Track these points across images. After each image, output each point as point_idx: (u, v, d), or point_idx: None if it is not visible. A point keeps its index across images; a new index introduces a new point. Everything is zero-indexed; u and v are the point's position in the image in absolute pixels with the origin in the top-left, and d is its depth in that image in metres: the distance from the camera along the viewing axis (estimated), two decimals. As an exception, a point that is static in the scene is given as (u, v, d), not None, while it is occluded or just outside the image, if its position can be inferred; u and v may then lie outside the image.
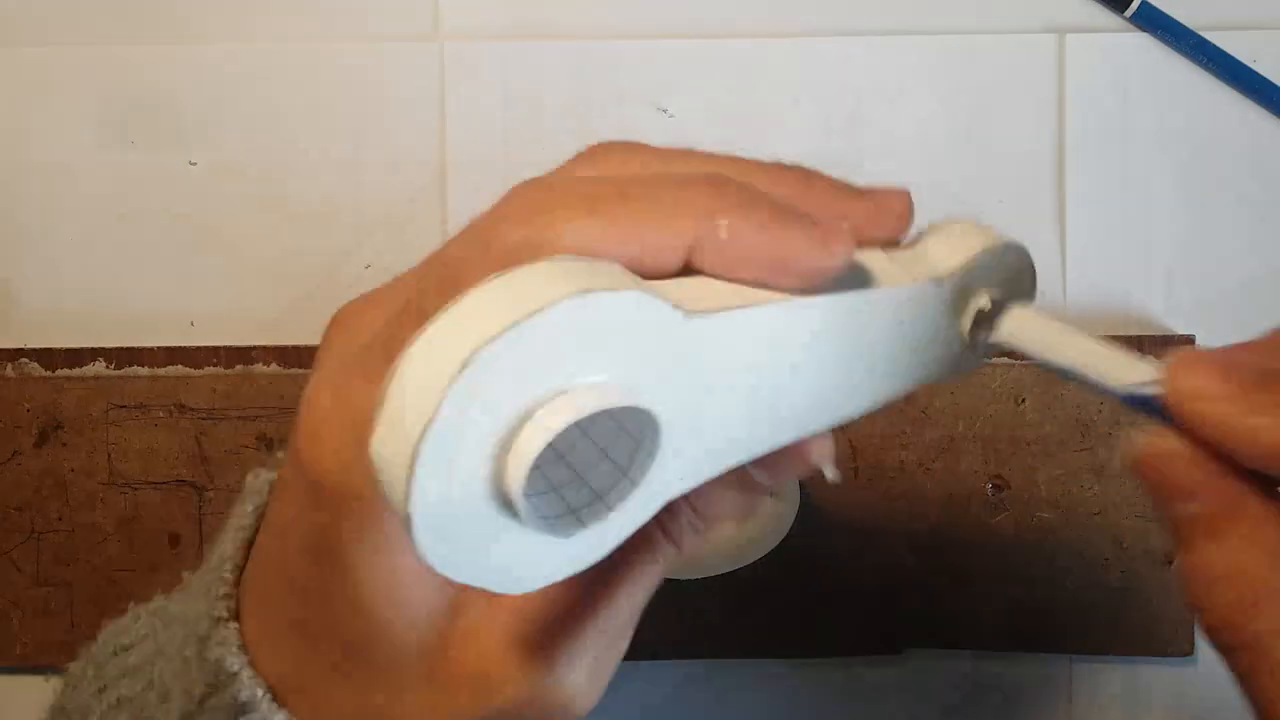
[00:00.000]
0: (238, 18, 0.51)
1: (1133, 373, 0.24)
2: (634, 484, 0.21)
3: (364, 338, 0.24)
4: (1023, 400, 0.48)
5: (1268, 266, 0.50)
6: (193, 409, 0.49)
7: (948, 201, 0.50)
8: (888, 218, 0.25)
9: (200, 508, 0.49)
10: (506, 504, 0.20)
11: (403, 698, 0.27)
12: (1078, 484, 0.48)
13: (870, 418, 0.48)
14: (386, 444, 0.19)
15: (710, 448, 0.23)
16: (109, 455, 0.49)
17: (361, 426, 0.21)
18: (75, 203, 0.51)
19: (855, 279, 0.24)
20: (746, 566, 0.45)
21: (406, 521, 0.19)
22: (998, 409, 0.48)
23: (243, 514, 0.30)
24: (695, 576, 0.46)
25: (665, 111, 0.50)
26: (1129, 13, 0.49)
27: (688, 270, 0.23)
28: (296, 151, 0.51)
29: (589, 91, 0.51)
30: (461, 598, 0.27)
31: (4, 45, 0.51)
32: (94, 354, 0.49)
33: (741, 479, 0.26)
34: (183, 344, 0.50)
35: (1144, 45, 0.50)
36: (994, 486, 0.49)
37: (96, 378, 0.49)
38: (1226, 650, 0.23)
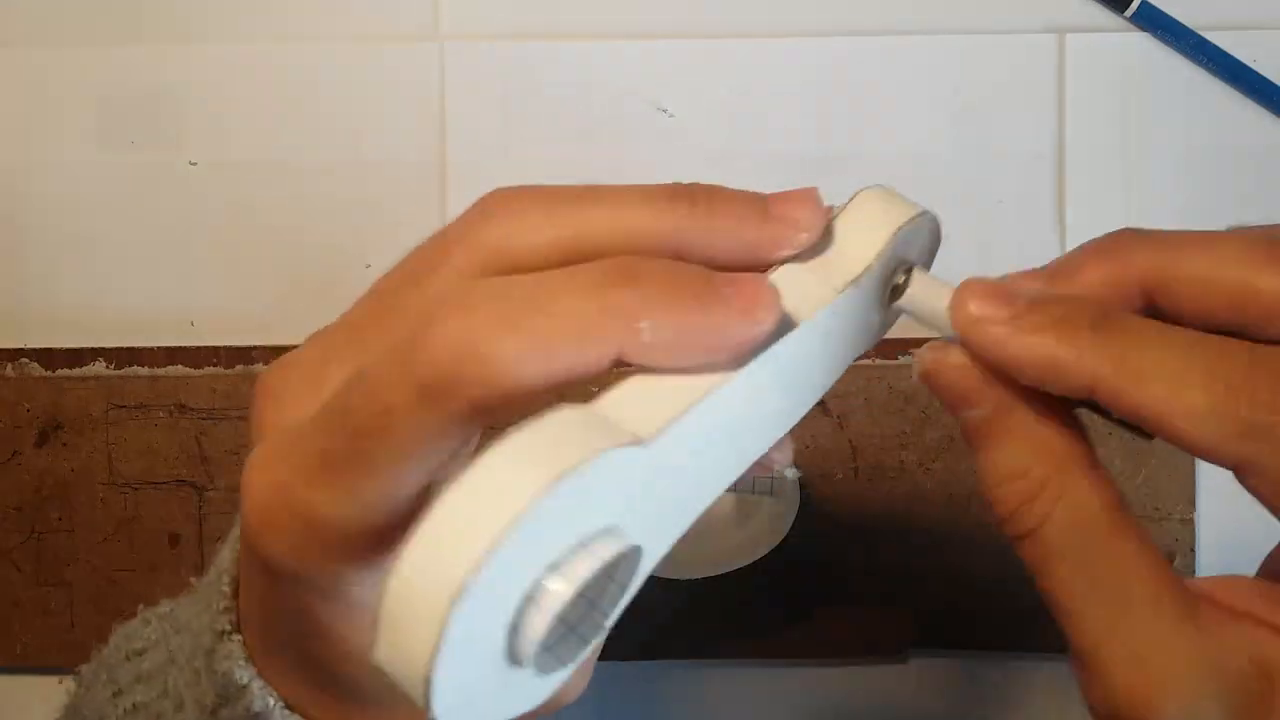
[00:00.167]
0: (238, 18, 0.51)
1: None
2: (624, 588, 0.22)
3: (294, 414, 0.25)
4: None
5: (1268, 266, 0.50)
6: (193, 409, 0.49)
7: (948, 201, 0.50)
8: (796, 234, 0.25)
9: (200, 508, 0.49)
10: (520, 660, 0.21)
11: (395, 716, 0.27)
12: (1078, 484, 0.48)
13: (870, 418, 0.48)
14: (394, 661, 0.20)
15: (680, 512, 0.24)
16: (109, 455, 0.49)
17: (308, 523, 0.23)
18: (75, 203, 0.51)
19: (781, 320, 0.24)
20: (745, 567, 0.45)
21: (425, 706, 0.20)
22: (998, 409, 0.48)
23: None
24: (695, 577, 0.46)
25: (665, 111, 0.50)
26: (1129, 13, 0.49)
27: (618, 362, 0.23)
28: (296, 151, 0.51)
29: (589, 91, 0.51)
30: None
31: (4, 45, 0.51)
32: (94, 354, 0.49)
33: None
34: (183, 344, 0.50)
35: (1144, 45, 0.50)
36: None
37: (97, 378, 0.49)
38: (1015, 543, 0.25)
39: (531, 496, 0.19)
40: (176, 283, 0.51)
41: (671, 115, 0.50)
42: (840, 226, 0.26)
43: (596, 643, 0.23)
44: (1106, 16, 0.50)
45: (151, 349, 0.50)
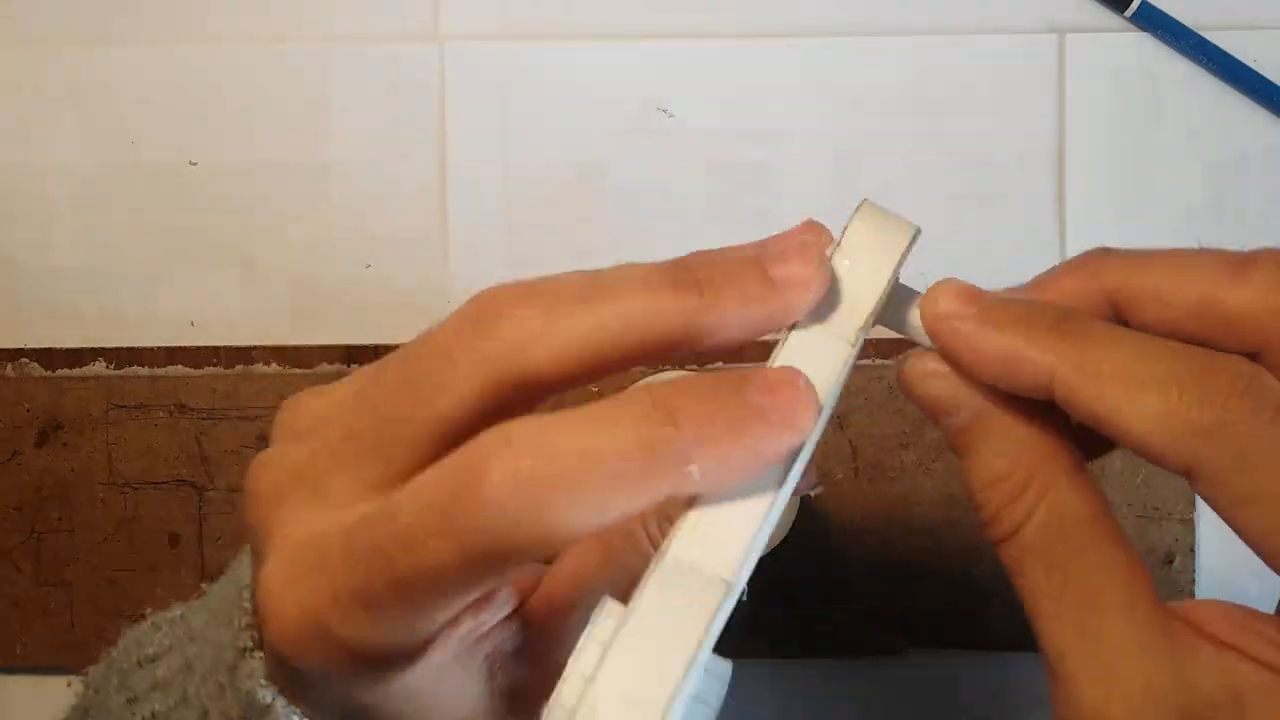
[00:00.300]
0: (238, 18, 0.51)
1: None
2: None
3: (304, 524, 0.24)
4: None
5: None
6: (193, 409, 0.49)
7: (947, 201, 0.50)
8: (804, 299, 0.25)
9: (200, 508, 0.49)
10: None
11: None
12: (1078, 484, 0.48)
13: (870, 418, 0.48)
14: None
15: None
16: (109, 455, 0.49)
17: (344, 649, 0.23)
18: (75, 202, 0.51)
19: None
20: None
21: None
22: (998, 409, 0.48)
23: None
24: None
25: (665, 111, 0.50)
26: (1129, 13, 0.49)
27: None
28: (296, 151, 0.51)
29: (589, 92, 0.51)
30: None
31: (3, 45, 0.51)
32: (94, 354, 0.49)
33: None
34: (183, 344, 0.50)
35: (1144, 45, 0.50)
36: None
37: (97, 378, 0.49)
38: (997, 547, 0.26)
39: (674, 689, 0.22)
40: (176, 283, 0.51)
41: (671, 115, 0.50)
42: (840, 263, 0.26)
43: None
44: (1106, 16, 0.50)
45: (151, 349, 0.50)
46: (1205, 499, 0.24)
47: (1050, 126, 0.50)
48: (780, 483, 0.23)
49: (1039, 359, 0.24)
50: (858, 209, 0.26)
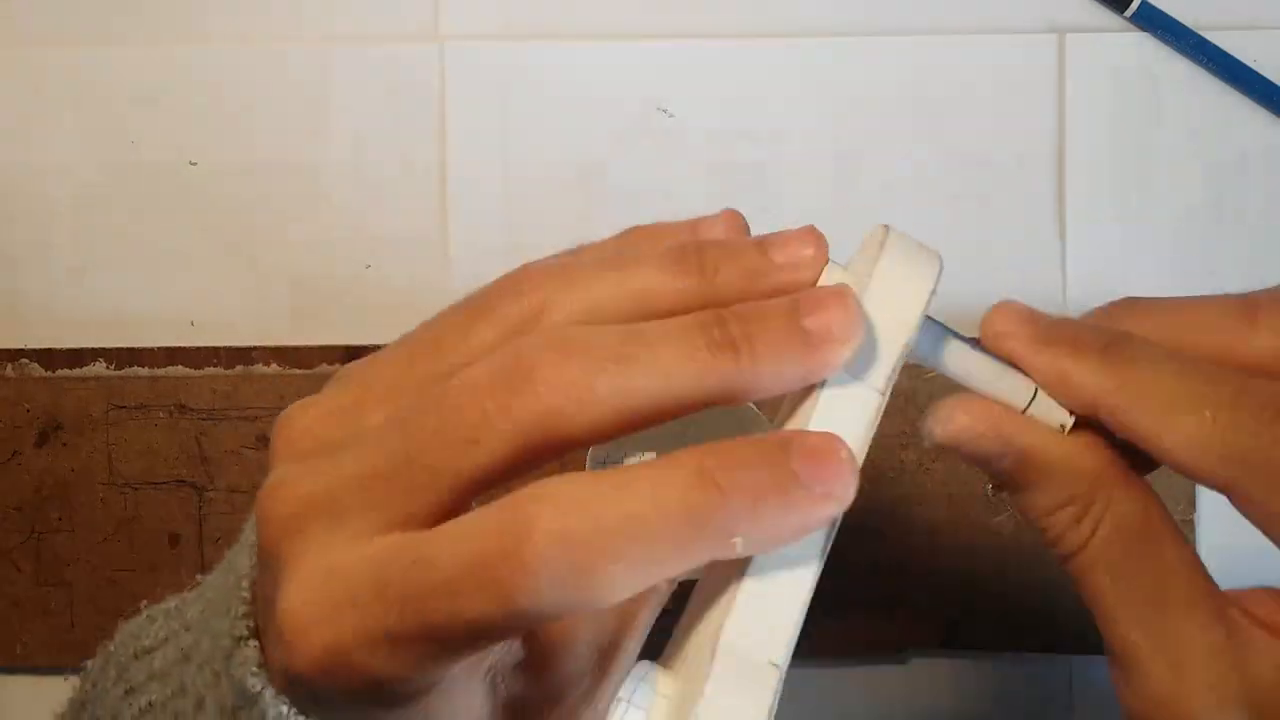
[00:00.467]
0: (238, 18, 0.51)
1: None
2: None
3: (331, 549, 0.24)
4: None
5: (1268, 266, 0.50)
6: (193, 409, 0.49)
7: (947, 201, 0.50)
8: (840, 354, 0.25)
9: (200, 508, 0.49)
10: None
11: None
12: (1078, 484, 0.48)
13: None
14: None
15: None
16: (109, 455, 0.49)
17: (374, 683, 0.23)
18: (75, 203, 0.51)
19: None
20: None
21: None
22: (998, 409, 0.48)
23: (252, 528, 0.29)
24: (695, 577, 0.46)
25: (665, 111, 0.50)
26: (1129, 13, 0.49)
27: None
28: (296, 151, 0.51)
29: (589, 92, 0.51)
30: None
31: (3, 45, 0.51)
32: (94, 354, 0.49)
33: None
34: (183, 344, 0.50)
35: (1144, 45, 0.50)
36: (994, 486, 0.49)
37: (97, 378, 0.49)
38: (1061, 561, 0.27)
39: None
40: (176, 283, 0.51)
41: (671, 115, 0.50)
42: (870, 303, 0.25)
43: None
44: (1106, 16, 0.50)
45: (151, 349, 0.50)
46: (1245, 515, 0.25)
47: (1050, 126, 0.50)
48: (822, 549, 0.25)
49: (1085, 380, 0.26)
50: (885, 241, 0.26)
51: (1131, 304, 0.28)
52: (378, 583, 0.23)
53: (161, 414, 0.49)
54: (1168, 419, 0.25)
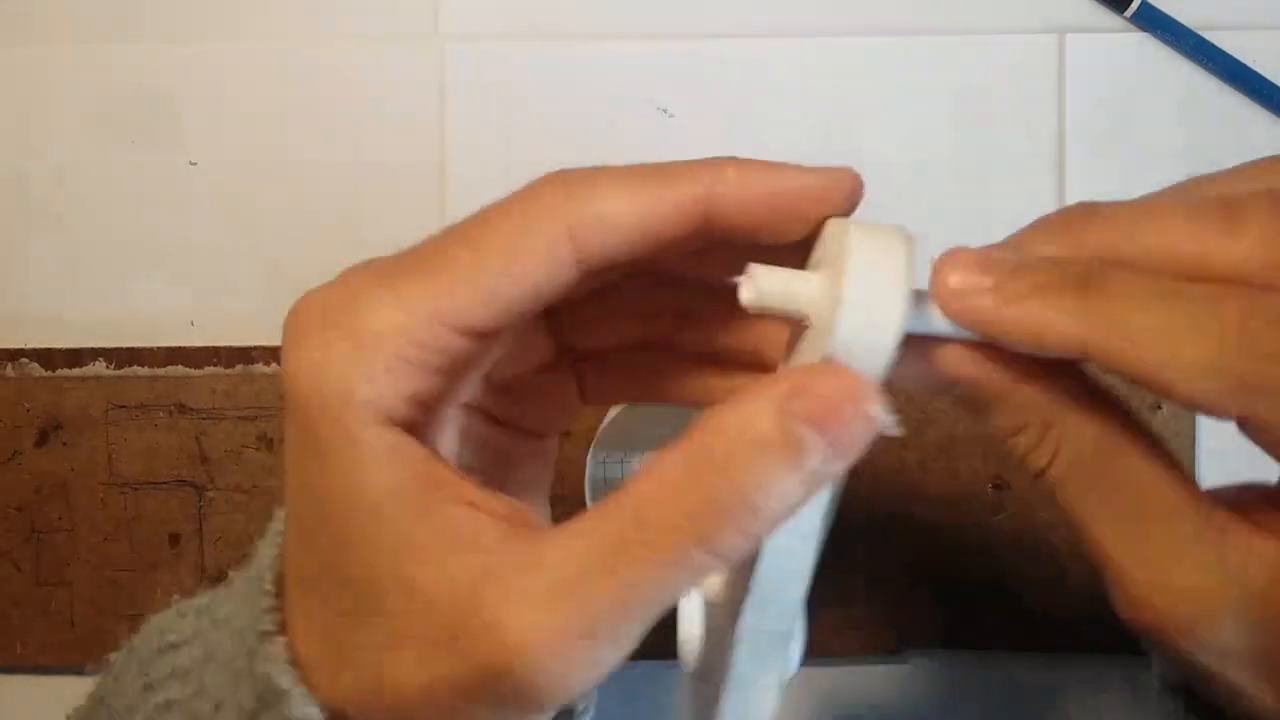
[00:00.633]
0: (238, 17, 0.51)
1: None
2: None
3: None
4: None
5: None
6: (193, 409, 0.49)
7: (947, 202, 0.50)
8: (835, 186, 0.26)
9: (200, 508, 0.49)
10: None
11: (419, 649, 0.25)
12: (1078, 484, 0.48)
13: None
14: None
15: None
16: (109, 455, 0.49)
17: (592, 669, 0.24)
18: (75, 203, 0.51)
19: None
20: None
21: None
22: (998, 409, 0.48)
23: (280, 519, 0.29)
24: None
25: (665, 111, 0.50)
26: (1129, 13, 0.49)
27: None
28: (296, 151, 0.51)
29: (589, 91, 0.51)
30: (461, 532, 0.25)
31: (4, 45, 0.51)
32: (94, 354, 0.49)
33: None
34: (183, 344, 0.50)
35: (1144, 45, 0.50)
36: (994, 486, 0.49)
37: (97, 378, 0.49)
38: (1035, 478, 0.26)
39: None
40: (176, 283, 0.51)
41: (671, 115, 0.51)
42: (852, 315, 0.24)
43: None
44: (1106, 16, 0.50)
45: (151, 349, 0.50)
46: (1258, 444, 0.24)
47: (1050, 126, 0.50)
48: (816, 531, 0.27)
49: (1068, 329, 0.24)
50: (847, 239, 0.25)
51: (1091, 211, 0.25)
52: (602, 579, 0.24)
53: (162, 414, 0.49)
54: (1168, 355, 0.23)
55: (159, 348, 0.49)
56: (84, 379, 0.49)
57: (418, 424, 0.26)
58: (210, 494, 0.49)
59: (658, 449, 0.24)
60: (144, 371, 0.49)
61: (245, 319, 0.51)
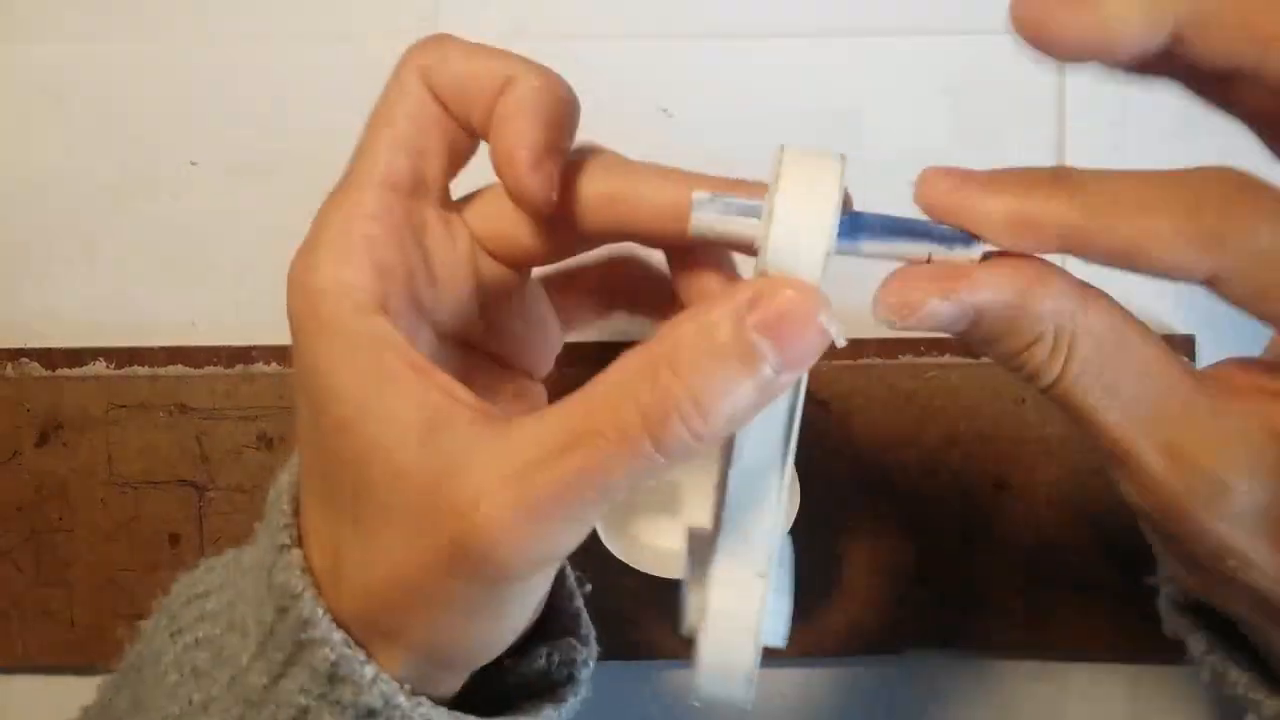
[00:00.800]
0: (238, 17, 0.51)
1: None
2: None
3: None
4: (1023, 400, 0.48)
5: (1268, 266, 0.50)
6: (193, 409, 0.49)
7: (948, 201, 0.50)
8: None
9: (201, 508, 0.49)
10: None
11: (398, 533, 0.27)
12: (1078, 484, 0.48)
13: (870, 418, 0.48)
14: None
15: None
16: (109, 455, 0.49)
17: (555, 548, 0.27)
18: (75, 203, 0.51)
19: None
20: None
21: None
22: (998, 408, 0.48)
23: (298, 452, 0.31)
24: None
25: (665, 112, 0.51)
26: (1129, 13, 0.49)
27: None
28: (297, 151, 0.51)
29: (589, 92, 0.50)
30: (440, 415, 0.27)
31: (3, 45, 0.51)
32: (95, 354, 0.49)
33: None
34: (183, 344, 0.50)
35: (1144, 45, 0.50)
36: (994, 486, 0.49)
37: (97, 378, 0.49)
38: (1045, 392, 0.28)
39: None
40: (177, 283, 0.51)
41: (671, 115, 0.51)
42: (773, 229, 0.27)
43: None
44: (1106, 17, 0.50)
45: (152, 349, 0.50)
46: (1232, 302, 0.26)
47: (1050, 126, 0.50)
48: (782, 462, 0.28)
49: (1048, 211, 0.26)
50: (781, 162, 0.28)
51: (1062, 177, 0.28)
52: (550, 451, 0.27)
53: (162, 414, 0.49)
54: (1143, 225, 0.25)
55: (159, 347, 0.49)
56: (84, 379, 0.49)
57: (396, 318, 0.29)
58: (211, 494, 0.49)
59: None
60: (144, 371, 0.49)
61: (246, 319, 0.51)
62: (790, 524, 0.45)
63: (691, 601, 0.30)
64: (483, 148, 0.35)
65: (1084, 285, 0.27)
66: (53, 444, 0.49)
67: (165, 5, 0.51)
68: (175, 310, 0.51)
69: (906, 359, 0.47)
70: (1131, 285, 0.43)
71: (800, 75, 0.50)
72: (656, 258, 0.36)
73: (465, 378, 0.29)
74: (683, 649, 0.30)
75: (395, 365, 0.27)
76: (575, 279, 0.37)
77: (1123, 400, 0.27)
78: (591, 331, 0.40)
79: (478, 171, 0.37)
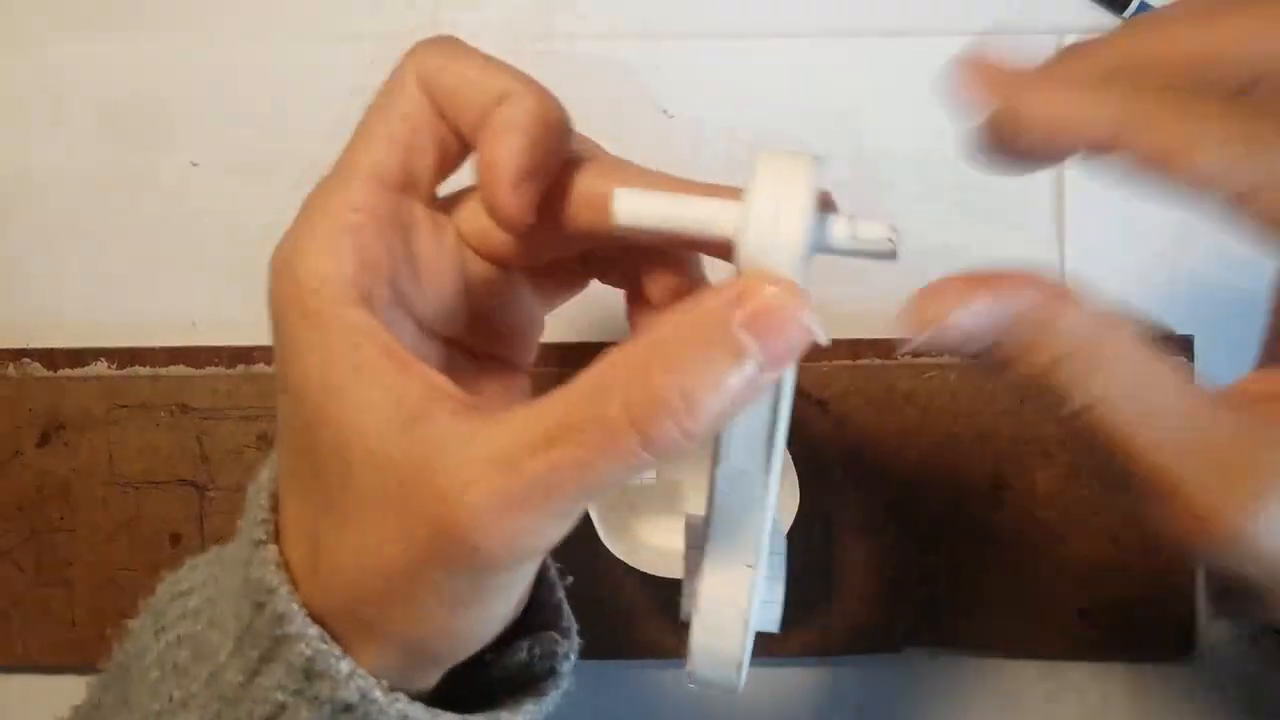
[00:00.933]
0: (239, 17, 0.51)
1: None
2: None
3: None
4: (1022, 401, 0.48)
5: (1267, 266, 0.50)
6: (194, 409, 0.49)
7: (948, 202, 0.50)
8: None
9: (201, 508, 0.49)
10: None
11: (378, 524, 0.27)
12: (1078, 484, 0.48)
13: (870, 418, 0.48)
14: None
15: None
16: (111, 455, 0.49)
17: (539, 538, 0.26)
18: (76, 203, 0.51)
19: None
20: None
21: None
22: (998, 409, 0.48)
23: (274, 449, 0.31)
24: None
25: (665, 112, 0.51)
26: (1128, 14, 0.49)
27: None
28: (297, 151, 0.51)
29: (589, 92, 0.50)
30: (421, 409, 0.27)
31: (3, 45, 0.51)
32: (96, 354, 0.49)
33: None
34: (185, 344, 0.50)
35: (1144, 45, 0.50)
36: (994, 486, 0.49)
37: (99, 378, 0.49)
38: (1076, 417, 0.27)
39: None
40: (178, 283, 0.51)
41: (671, 115, 0.51)
42: (747, 239, 0.27)
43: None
44: (1106, 17, 0.50)
45: (153, 349, 0.50)
46: (1255, 222, 0.27)
47: (1050, 127, 0.50)
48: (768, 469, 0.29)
49: (1095, 112, 0.26)
50: (756, 163, 0.28)
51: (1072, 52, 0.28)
52: (538, 446, 0.26)
53: (163, 414, 0.49)
54: (1192, 131, 0.26)
55: (161, 348, 0.50)
56: (86, 379, 0.49)
57: (378, 310, 0.29)
58: (211, 494, 0.49)
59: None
60: (145, 371, 0.49)
61: (247, 319, 0.51)
62: (790, 524, 0.45)
63: (687, 588, 0.31)
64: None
65: (1101, 310, 0.27)
66: (54, 444, 0.49)
67: (165, 5, 0.51)
68: (176, 310, 0.51)
69: (906, 359, 0.47)
70: (1130, 286, 0.43)
71: (800, 75, 0.50)
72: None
73: (448, 372, 0.29)
74: (683, 649, 0.30)
75: (376, 356, 0.27)
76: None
77: (1160, 423, 0.26)
78: (573, 332, 0.40)
79: (472, 172, 0.37)
